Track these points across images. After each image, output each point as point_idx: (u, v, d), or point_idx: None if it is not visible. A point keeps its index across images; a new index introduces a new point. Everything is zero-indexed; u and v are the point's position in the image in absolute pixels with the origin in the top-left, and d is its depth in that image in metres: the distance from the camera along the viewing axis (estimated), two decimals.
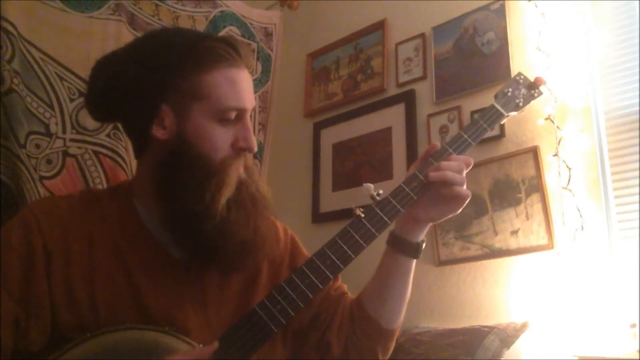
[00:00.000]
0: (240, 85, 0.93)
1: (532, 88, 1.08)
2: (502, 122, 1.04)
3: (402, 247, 1.01)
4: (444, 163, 0.98)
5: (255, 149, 0.95)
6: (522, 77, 1.09)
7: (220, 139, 0.91)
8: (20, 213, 0.91)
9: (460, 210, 0.99)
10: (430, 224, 1.02)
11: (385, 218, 0.94)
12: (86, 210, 0.93)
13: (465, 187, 0.97)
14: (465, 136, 1.02)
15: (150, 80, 0.90)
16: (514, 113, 1.07)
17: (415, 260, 1.02)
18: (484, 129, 1.03)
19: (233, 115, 0.91)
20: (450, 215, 1.00)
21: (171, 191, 0.89)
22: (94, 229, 0.91)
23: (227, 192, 0.89)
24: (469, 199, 0.97)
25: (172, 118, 0.90)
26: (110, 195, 0.98)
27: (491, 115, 1.04)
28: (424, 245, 1.03)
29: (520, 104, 1.07)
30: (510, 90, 1.07)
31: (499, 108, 1.05)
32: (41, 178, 1.77)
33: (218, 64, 0.91)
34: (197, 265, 0.94)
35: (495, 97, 1.07)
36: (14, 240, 0.86)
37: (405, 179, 0.99)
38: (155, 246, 0.93)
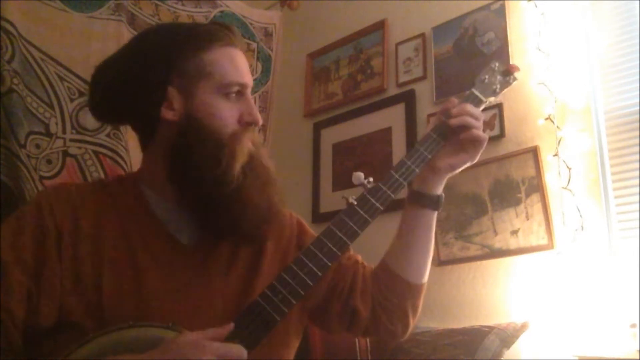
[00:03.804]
0: (239, 62, 0.98)
1: (507, 75, 1.15)
2: (481, 108, 1.10)
3: (423, 201, 1.05)
4: (465, 108, 1.03)
5: (261, 122, 0.99)
6: (496, 64, 1.15)
7: (227, 113, 0.95)
8: (35, 196, 0.97)
9: (477, 157, 1.04)
10: (450, 174, 1.06)
11: (377, 204, 0.97)
12: (96, 196, 0.97)
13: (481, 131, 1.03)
14: (445, 120, 1.06)
15: (155, 68, 0.95)
16: (492, 98, 1.13)
17: (437, 212, 1.06)
18: None
19: (235, 89, 0.96)
20: (468, 163, 1.05)
21: (185, 166, 0.93)
22: (103, 214, 0.94)
23: (241, 160, 0.93)
24: (485, 143, 1.03)
25: (179, 99, 0.94)
26: (119, 183, 1.02)
27: (471, 102, 1.10)
28: (443, 198, 1.07)
29: (497, 90, 1.13)
30: (487, 77, 1.13)
31: (478, 94, 1.11)
32: (41, 178, 1.77)
33: (216, 42, 0.96)
34: (204, 250, 0.96)
35: (473, 84, 1.13)
36: (28, 221, 0.89)
37: (394, 165, 1.02)
38: (162, 232, 0.95)
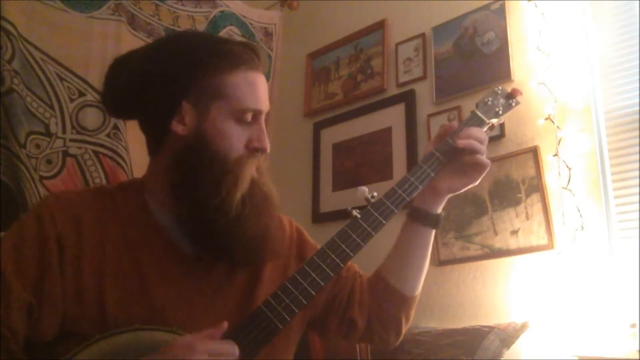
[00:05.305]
0: (259, 88, 0.97)
1: (510, 98, 1.17)
2: (484, 129, 1.12)
3: (422, 219, 1.07)
4: (472, 132, 1.05)
5: (268, 150, 0.99)
6: (500, 89, 1.18)
7: (236, 138, 0.95)
8: (35, 206, 0.95)
9: (479, 180, 1.06)
10: (450, 195, 1.08)
11: (380, 218, 0.99)
12: (99, 204, 0.96)
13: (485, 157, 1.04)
14: (450, 141, 1.07)
15: (174, 78, 0.94)
16: (494, 120, 1.14)
17: (434, 230, 1.09)
18: None
19: (250, 116, 0.96)
20: (469, 186, 1.07)
21: (187, 186, 0.92)
22: (106, 223, 0.93)
23: (242, 189, 0.93)
24: (488, 169, 1.04)
25: (192, 115, 0.94)
26: (122, 191, 1.01)
27: (474, 122, 1.11)
28: (442, 217, 1.09)
29: (500, 112, 1.15)
30: (490, 99, 1.15)
31: (481, 115, 1.12)
32: (41, 178, 1.77)
33: (240, 65, 0.95)
34: (207, 259, 0.96)
35: (477, 105, 1.14)
36: (29, 231, 0.88)
37: (398, 181, 1.03)
38: (166, 241, 0.95)
